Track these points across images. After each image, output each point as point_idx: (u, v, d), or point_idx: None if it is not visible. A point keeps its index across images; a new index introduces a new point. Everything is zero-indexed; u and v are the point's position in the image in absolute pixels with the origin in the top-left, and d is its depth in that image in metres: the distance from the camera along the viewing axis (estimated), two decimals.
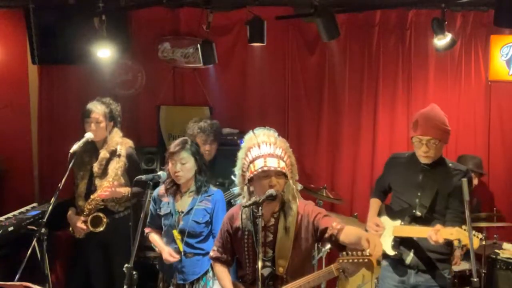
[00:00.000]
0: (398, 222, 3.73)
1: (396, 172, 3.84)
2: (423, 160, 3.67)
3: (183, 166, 3.72)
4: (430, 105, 3.92)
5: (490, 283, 4.62)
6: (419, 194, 3.65)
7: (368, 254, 2.70)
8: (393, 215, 3.81)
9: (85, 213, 4.28)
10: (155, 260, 5.07)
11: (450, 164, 3.70)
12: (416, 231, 3.56)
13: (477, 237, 3.34)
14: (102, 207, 4.27)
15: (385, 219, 3.84)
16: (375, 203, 3.93)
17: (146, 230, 3.92)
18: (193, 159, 3.76)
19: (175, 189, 3.82)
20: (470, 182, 3.66)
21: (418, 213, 3.63)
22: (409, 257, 3.65)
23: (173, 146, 3.80)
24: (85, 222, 4.27)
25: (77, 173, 4.35)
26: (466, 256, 4.93)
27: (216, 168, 4.61)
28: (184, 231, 3.73)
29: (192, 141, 3.87)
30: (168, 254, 3.76)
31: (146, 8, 5.34)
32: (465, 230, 3.30)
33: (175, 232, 3.75)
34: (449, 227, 3.38)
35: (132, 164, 4.36)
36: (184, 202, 3.79)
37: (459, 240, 3.32)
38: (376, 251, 2.69)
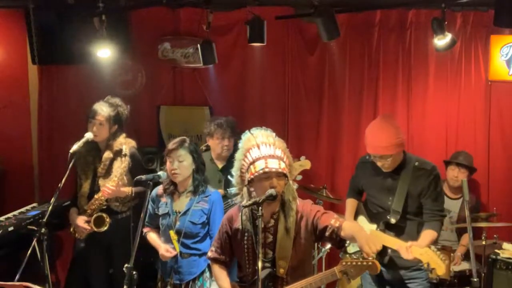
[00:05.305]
0: (374, 226, 3.75)
1: (366, 176, 3.85)
2: (384, 170, 3.65)
3: (180, 164, 3.72)
4: (378, 117, 3.83)
5: (490, 283, 4.61)
6: (390, 198, 3.65)
7: (371, 257, 2.73)
8: (370, 217, 3.85)
9: (88, 213, 4.28)
10: (156, 260, 5.09)
11: (416, 163, 3.64)
12: (389, 242, 3.51)
13: (444, 261, 3.18)
14: (105, 207, 4.26)
15: (362, 219, 3.86)
16: (350, 204, 3.96)
17: (145, 229, 3.92)
18: (191, 157, 3.75)
19: (173, 189, 3.82)
20: (438, 178, 3.63)
21: (393, 220, 3.62)
22: (386, 257, 3.64)
23: (171, 143, 3.80)
24: (88, 222, 4.26)
25: (80, 173, 4.33)
26: (466, 256, 4.93)
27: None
28: (180, 232, 3.73)
29: (190, 140, 3.86)
30: (165, 250, 3.76)
31: (146, 8, 5.35)
32: (434, 251, 3.22)
33: (172, 233, 3.75)
34: (419, 248, 3.28)
35: (135, 164, 4.34)
36: (182, 203, 3.79)
37: (428, 264, 3.23)
38: (375, 249, 2.74)
